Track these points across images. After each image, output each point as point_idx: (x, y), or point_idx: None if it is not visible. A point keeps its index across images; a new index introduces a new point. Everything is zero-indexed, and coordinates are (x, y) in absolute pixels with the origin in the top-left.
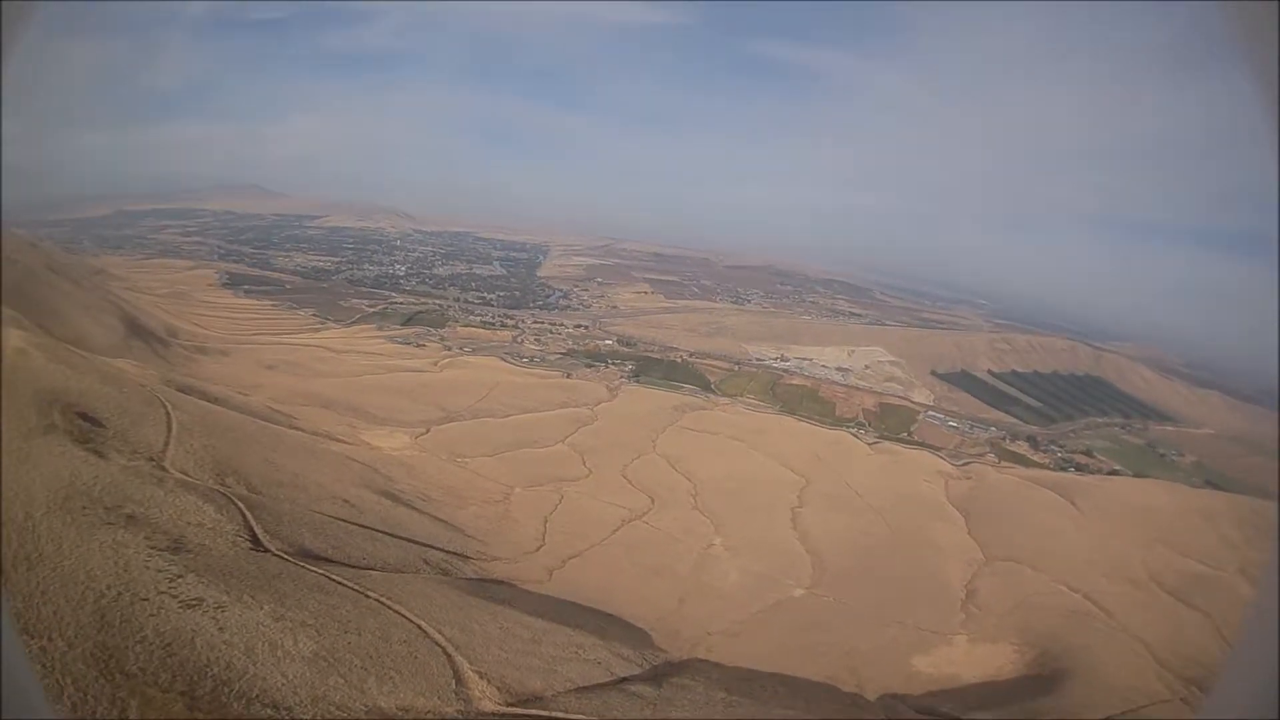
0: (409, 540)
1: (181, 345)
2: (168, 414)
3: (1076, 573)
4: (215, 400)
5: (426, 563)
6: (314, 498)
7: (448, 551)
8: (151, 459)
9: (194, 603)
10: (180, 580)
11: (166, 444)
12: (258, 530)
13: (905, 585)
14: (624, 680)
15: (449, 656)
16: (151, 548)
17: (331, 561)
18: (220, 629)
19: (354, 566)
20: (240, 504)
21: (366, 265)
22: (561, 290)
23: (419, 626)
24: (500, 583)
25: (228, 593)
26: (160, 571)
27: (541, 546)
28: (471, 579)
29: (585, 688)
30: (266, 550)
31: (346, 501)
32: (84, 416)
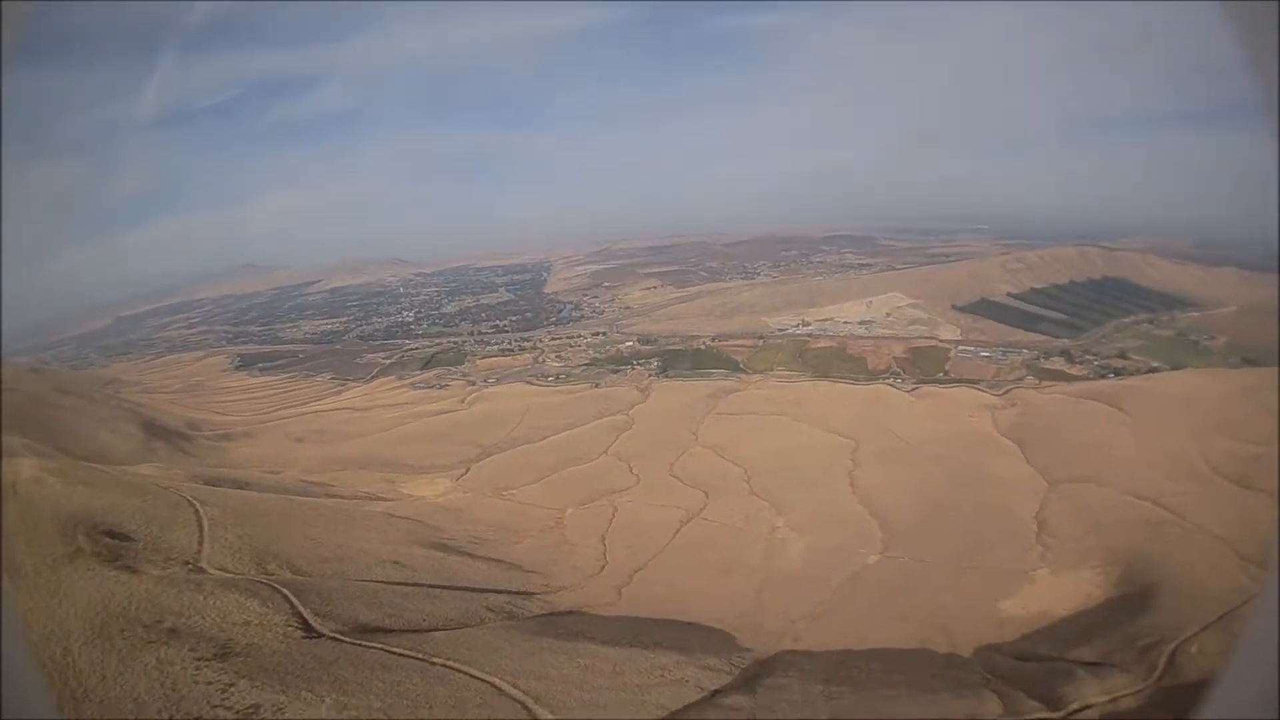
0: (468, 589)
1: (204, 436)
2: (197, 512)
3: (1140, 480)
4: (245, 486)
5: (490, 610)
6: (362, 566)
7: (510, 592)
8: (187, 562)
9: (250, 712)
10: (232, 689)
11: (200, 543)
12: (307, 615)
13: (976, 528)
14: (716, 694)
15: (529, 710)
16: (198, 659)
17: (390, 631)
18: None
19: (415, 631)
20: (285, 590)
21: (374, 319)
22: (572, 302)
23: (492, 685)
24: (569, 613)
25: (284, 692)
26: (210, 684)
27: (605, 566)
28: (539, 616)
29: (678, 712)
30: (320, 635)
31: (397, 563)
32: (111, 534)
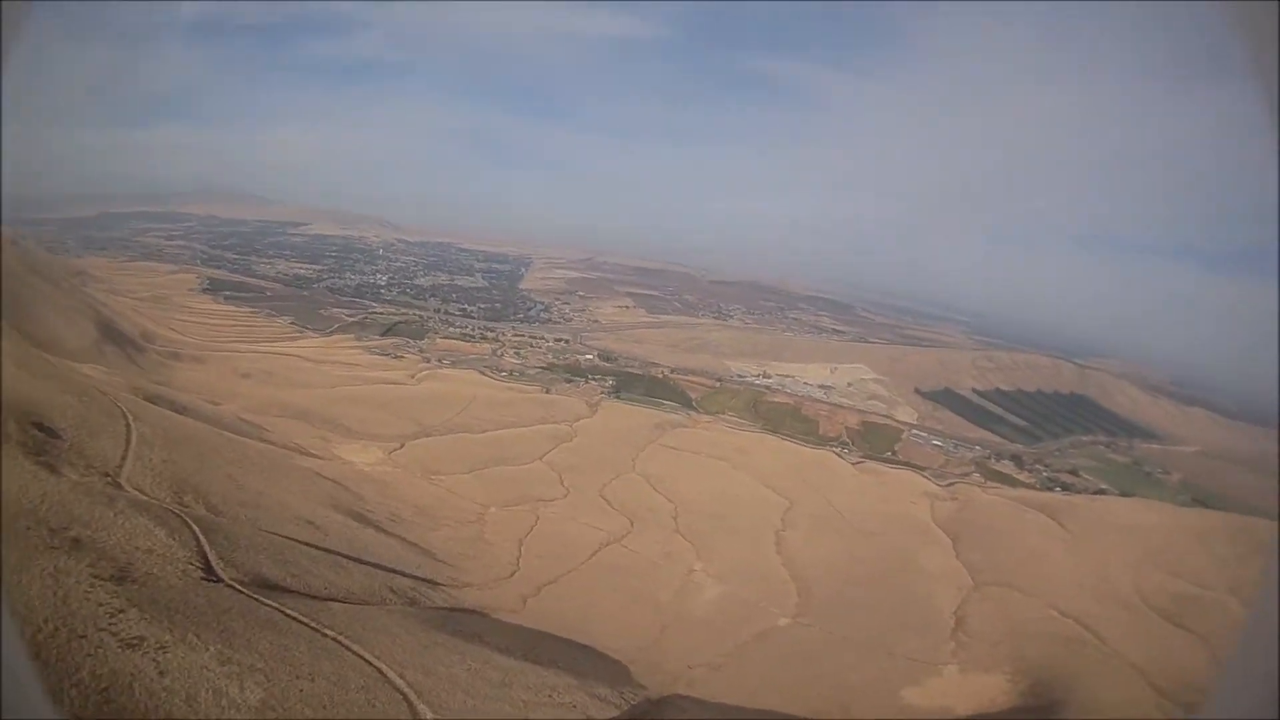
0: (375, 566)
1: (156, 351)
2: (128, 425)
3: (1067, 596)
4: (184, 410)
5: (393, 591)
6: (277, 519)
7: (416, 578)
8: (106, 475)
9: (135, 642)
10: (122, 615)
11: (124, 458)
12: (211, 557)
13: (893, 613)
14: None
15: (410, 704)
16: (95, 576)
17: (289, 591)
18: (161, 673)
19: (314, 597)
20: (195, 526)
21: (348, 274)
22: (543, 303)
23: (379, 670)
24: (471, 612)
25: (172, 631)
26: (101, 605)
27: (516, 572)
28: (441, 609)
29: None
30: (219, 580)
31: (311, 523)
32: (40, 427)
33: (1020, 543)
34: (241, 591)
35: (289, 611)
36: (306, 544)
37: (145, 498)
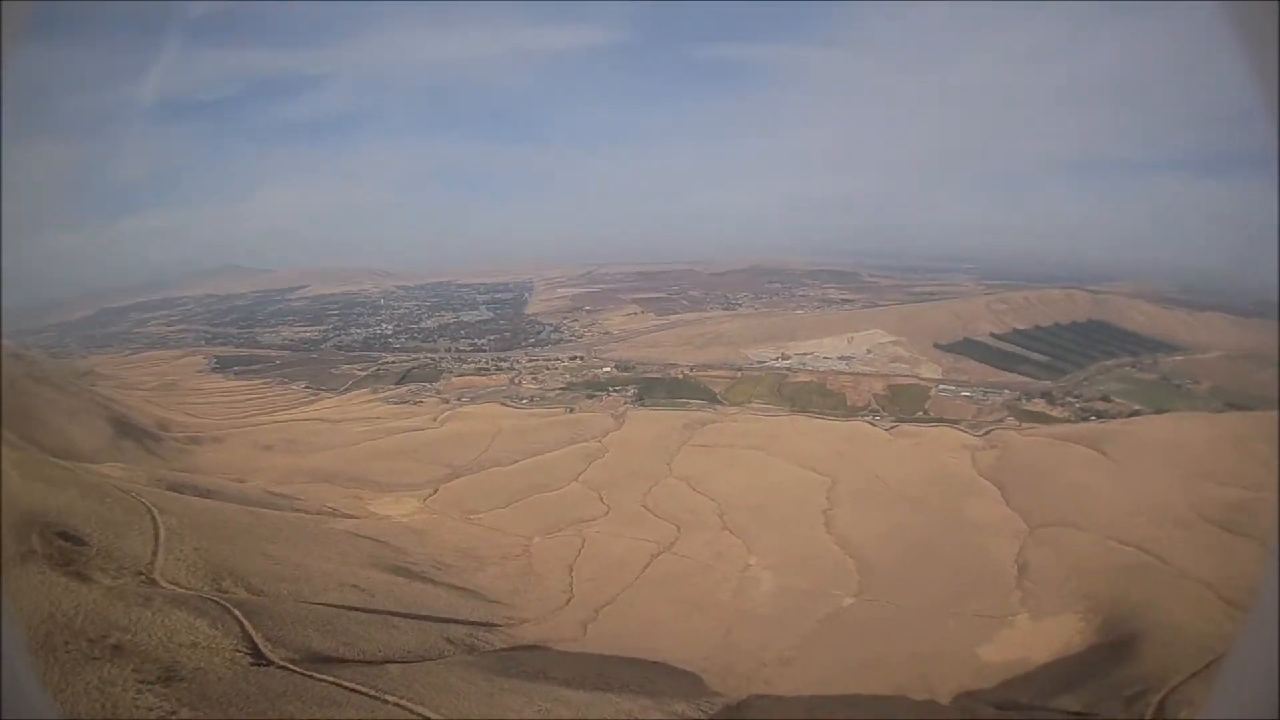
0: (428, 619)
1: (174, 438)
2: (154, 520)
3: (1123, 525)
4: (208, 494)
5: (450, 641)
6: (320, 588)
7: (471, 623)
8: (140, 573)
9: None
10: (174, 717)
11: (154, 554)
12: (258, 639)
13: (955, 573)
14: None
15: None
16: (140, 681)
17: (343, 662)
18: None
19: (368, 663)
20: (237, 611)
21: (353, 329)
22: (551, 324)
23: None
24: (533, 648)
25: None
26: (151, 710)
27: (570, 599)
28: (501, 650)
29: None
30: (269, 663)
31: (356, 587)
32: (64, 536)
33: (1066, 479)
34: (294, 671)
35: (345, 684)
36: (354, 609)
37: (182, 591)
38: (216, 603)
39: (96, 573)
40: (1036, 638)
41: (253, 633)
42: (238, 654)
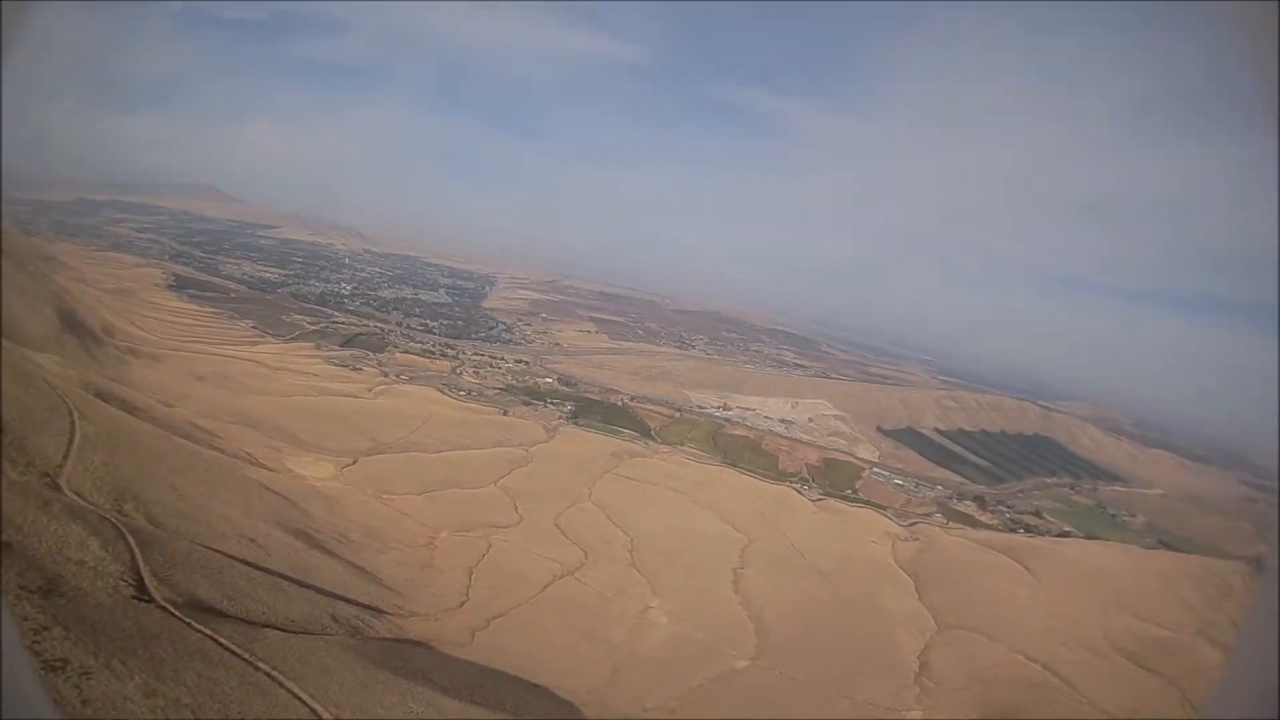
0: (318, 590)
1: (115, 345)
2: (73, 423)
3: (1034, 641)
4: (135, 410)
5: (335, 619)
6: (219, 534)
7: (361, 605)
8: (46, 474)
9: (57, 665)
10: (46, 633)
11: (65, 458)
12: (145, 574)
13: (855, 656)
14: None
15: None
16: (21, 587)
17: (225, 616)
18: (84, 702)
19: (250, 623)
20: (131, 539)
21: (313, 281)
22: (505, 323)
23: (313, 711)
24: (417, 644)
25: (97, 655)
26: (27, 620)
27: (465, 602)
28: (385, 639)
29: None
30: (151, 600)
31: (254, 541)
32: None
33: (984, 585)
34: (174, 614)
35: (222, 641)
36: (247, 563)
37: (83, 503)
38: (113, 524)
39: (4, 463)
40: None
41: (141, 565)
42: (121, 583)
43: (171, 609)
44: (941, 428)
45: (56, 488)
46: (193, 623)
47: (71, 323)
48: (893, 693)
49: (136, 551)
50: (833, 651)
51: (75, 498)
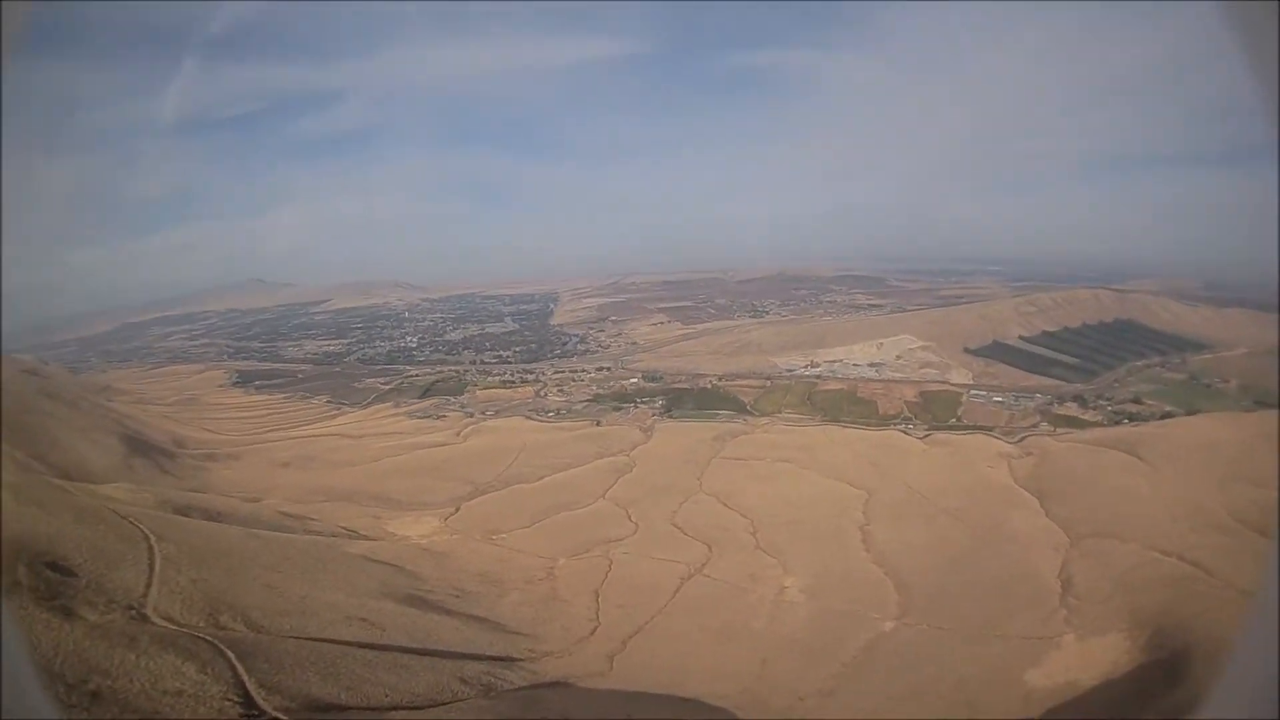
0: (441, 655)
1: (189, 455)
2: (150, 548)
3: (1164, 533)
4: (217, 516)
5: (464, 681)
6: (325, 623)
7: (489, 658)
8: (130, 608)
9: None
10: None
11: (148, 586)
12: (250, 686)
13: (997, 591)
14: None
15: None
16: None
17: (346, 709)
18: None
19: (373, 709)
20: (230, 653)
21: (377, 342)
22: (577, 335)
23: None
24: (555, 685)
25: None
26: None
27: (596, 628)
28: (521, 689)
29: None
30: (261, 714)
31: (365, 620)
32: (53, 567)
33: (1105, 486)
34: None
35: None
36: (361, 645)
37: (174, 628)
38: (209, 643)
39: (84, 607)
40: (1084, 659)
41: (245, 677)
42: (226, 703)
43: (283, 718)
44: (1025, 334)
45: (144, 619)
46: None
47: (138, 445)
48: (1042, 620)
49: (237, 665)
50: (975, 591)
51: (165, 624)
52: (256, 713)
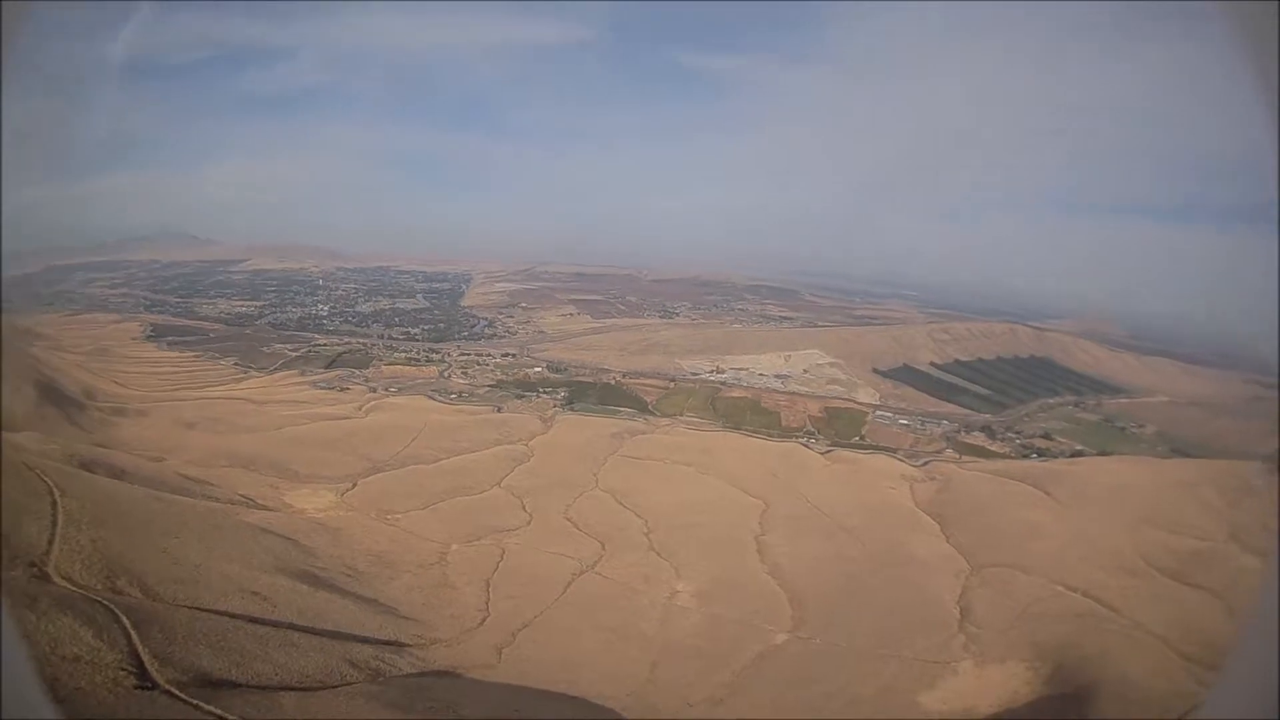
0: (331, 635)
1: (98, 408)
2: (54, 502)
3: (1070, 569)
4: (122, 474)
5: (353, 664)
6: (219, 594)
7: (378, 642)
8: (33, 564)
9: None
10: None
11: (50, 543)
12: (145, 657)
13: (894, 611)
14: None
15: None
16: None
17: (236, 685)
18: None
19: (262, 688)
20: (126, 620)
21: (290, 308)
22: (486, 319)
23: None
24: (443, 674)
25: None
26: None
27: (486, 618)
28: (409, 676)
29: None
30: (153, 686)
31: (257, 594)
32: None
33: (1009, 517)
34: (178, 697)
35: (230, 717)
36: (253, 620)
37: (74, 589)
38: (106, 607)
39: None
40: (982, 686)
41: (140, 647)
42: (121, 673)
43: (177, 691)
44: (937, 361)
45: (45, 577)
46: (201, 704)
47: (51, 394)
48: (939, 644)
49: (133, 633)
50: (872, 610)
51: (65, 584)
52: (150, 684)
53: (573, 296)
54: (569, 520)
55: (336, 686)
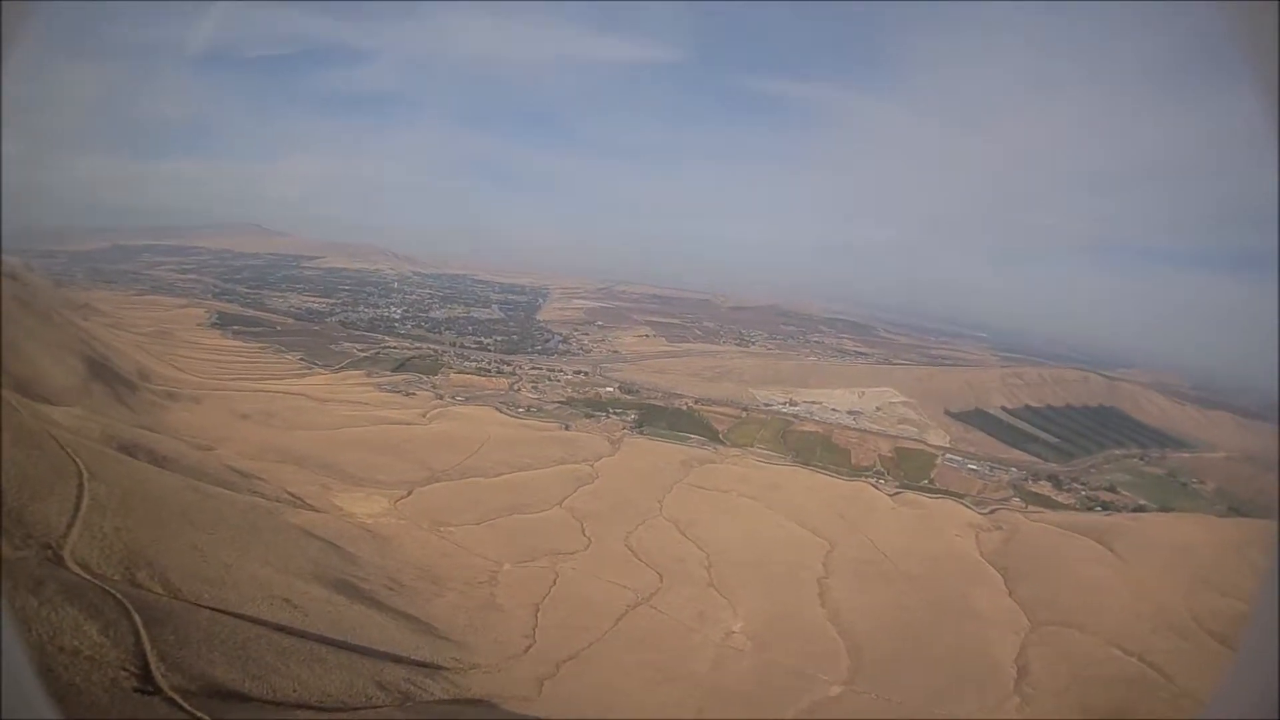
0: (362, 652)
1: (151, 390)
2: (81, 485)
3: (1126, 630)
4: (163, 461)
5: (382, 686)
6: (246, 598)
7: (412, 663)
8: (47, 545)
9: None
10: None
11: (70, 526)
12: (151, 659)
13: (952, 667)
14: None
15: None
16: None
17: (248, 699)
18: None
19: (278, 704)
20: (138, 617)
21: (362, 308)
22: (560, 334)
23: None
24: (478, 703)
25: None
26: None
27: (531, 646)
28: (440, 702)
29: None
30: (155, 692)
31: (288, 601)
32: None
33: (1071, 573)
34: (182, 707)
35: None
36: (279, 628)
37: (87, 577)
38: (118, 601)
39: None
40: None
41: (148, 647)
42: (122, 673)
43: (178, 700)
44: (1008, 406)
45: (59, 560)
46: (203, 716)
47: (101, 371)
48: (994, 704)
49: (143, 631)
50: (929, 665)
51: (78, 572)
52: (151, 689)
53: (649, 318)
54: (628, 548)
55: (358, 709)
